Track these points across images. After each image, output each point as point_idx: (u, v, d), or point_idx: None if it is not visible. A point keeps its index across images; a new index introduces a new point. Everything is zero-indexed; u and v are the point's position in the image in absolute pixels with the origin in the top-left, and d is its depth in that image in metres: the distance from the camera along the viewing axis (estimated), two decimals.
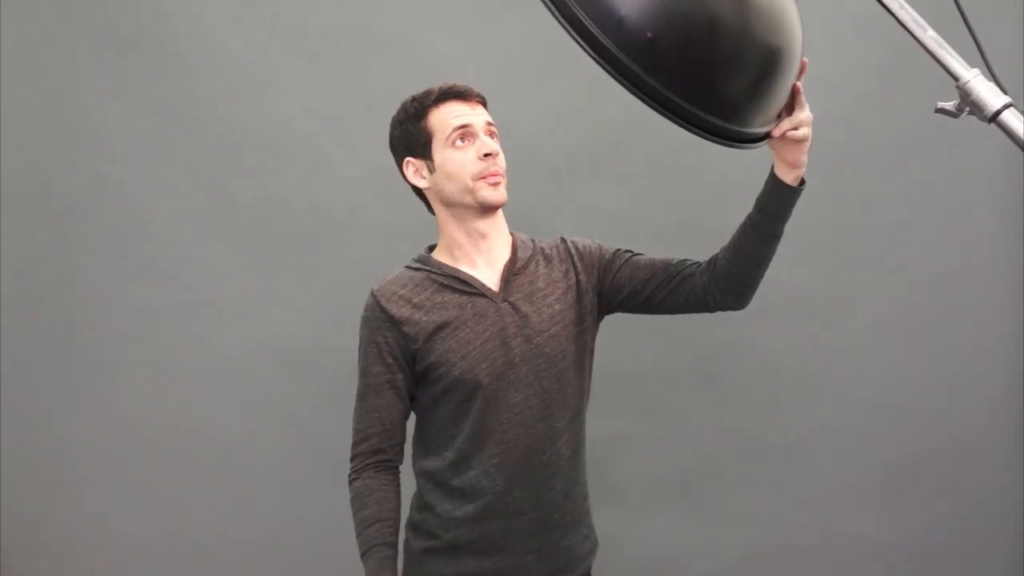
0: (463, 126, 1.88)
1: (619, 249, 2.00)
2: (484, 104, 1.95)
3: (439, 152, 1.89)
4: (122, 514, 2.90)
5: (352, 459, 1.93)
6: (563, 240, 2.02)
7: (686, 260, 1.93)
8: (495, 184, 1.87)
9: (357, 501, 1.90)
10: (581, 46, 1.22)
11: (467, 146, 1.87)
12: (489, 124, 1.91)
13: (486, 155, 1.87)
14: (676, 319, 2.96)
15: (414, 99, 1.93)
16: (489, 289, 1.90)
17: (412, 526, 1.99)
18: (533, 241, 2.01)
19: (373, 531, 1.85)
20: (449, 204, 1.91)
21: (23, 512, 2.87)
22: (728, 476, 3.03)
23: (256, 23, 2.92)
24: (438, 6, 2.95)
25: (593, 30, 1.21)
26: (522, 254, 1.96)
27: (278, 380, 2.94)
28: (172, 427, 2.91)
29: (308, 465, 2.93)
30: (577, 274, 1.97)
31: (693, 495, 3.02)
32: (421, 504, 1.97)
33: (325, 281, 2.94)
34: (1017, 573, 3.04)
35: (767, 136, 1.51)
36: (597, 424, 2.97)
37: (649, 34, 1.20)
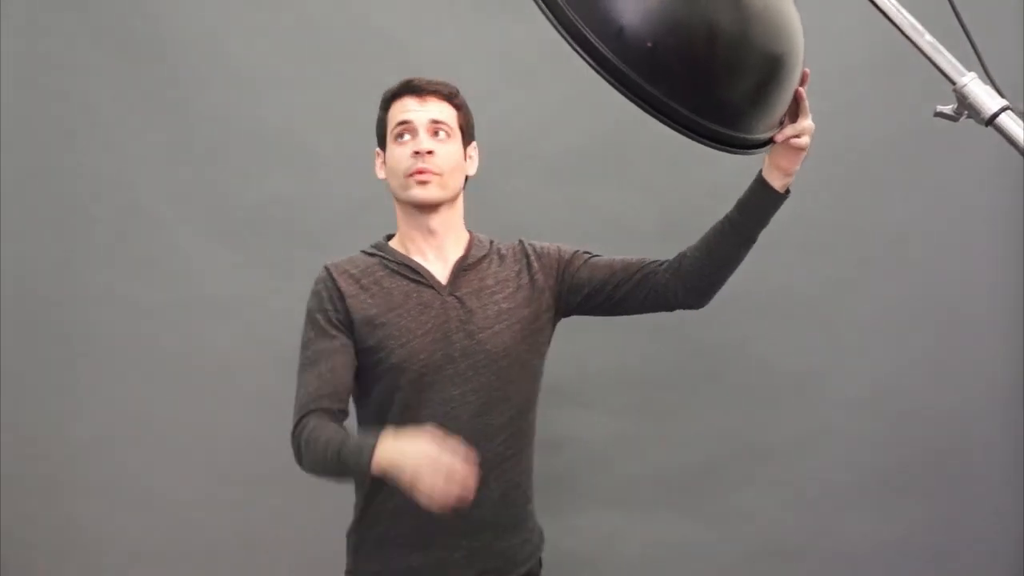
0: (403, 122, 1.91)
1: (578, 250, 2.01)
2: (447, 99, 1.95)
3: (388, 146, 1.94)
4: (122, 514, 2.90)
5: (297, 423, 1.83)
6: (520, 241, 2.04)
7: (645, 258, 1.95)
8: (422, 183, 1.88)
9: (314, 435, 1.77)
10: (581, 56, 1.22)
11: (407, 142, 1.90)
12: (435, 122, 1.91)
13: (416, 153, 1.88)
14: (676, 320, 2.96)
15: (386, 91, 1.98)
16: (437, 281, 1.92)
17: (356, 518, 1.99)
18: (491, 242, 2.03)
19: (351, 443, 1.72)
20: (395, 198, 1.96)
21: (23, 512, 2.87)
22: (728, 476, 3.03)
23: (256, 23, 2.92)
24: (437, 6, 2.95)
25: (593, 40, 1.21)
26: (476, 252, 1.98)
27: (278, 380, 2.91)
28: (172, 427, 2.91)
29: None
30: (532, 274, 1.97)
31: (693, 495, 3.02)
32: (357, 497, 1.98)
33: None
34: (1017, 573, 3.04)
35: (769, 142, 1.50)
36: (597, 424, 3.00)
37: (650, 44, 1.20)
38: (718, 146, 1.32)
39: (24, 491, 2.87)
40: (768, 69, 1.31)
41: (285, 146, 2.92)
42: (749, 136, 1.38)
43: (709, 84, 1.26)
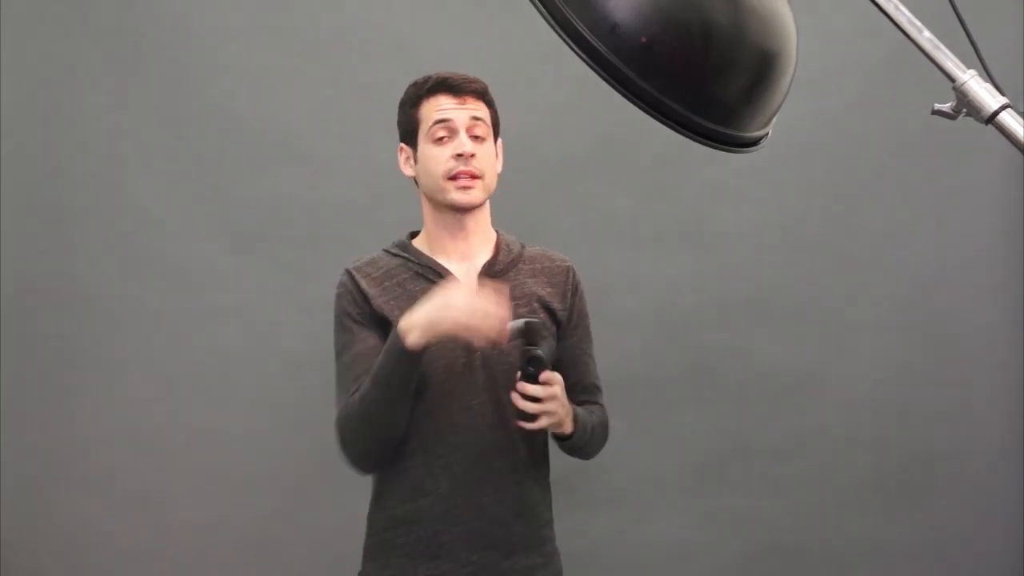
0: (443, 121, 1.86)
1: (589, 332, 2.00)
2: (481, 97, 1.91)
3: (421, 144, 1.89)
4: (122, 514, 2.89)
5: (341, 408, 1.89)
6: (570, 268, 2.00)
7: (592, 399, 1.98)
8: (464, 188, 1.85)
9: (355, 397, 1.84)
10: (575, 51, 1.21)
11: (446, 143, 1.86)
12: (475, 120, 1.88)
13: (458, 155, 1.84)
14: (676, 319, 2.97)
15: (414, 84, 1.93)
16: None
17: (367, 521, 1.97)
18: (522, 245, 1.98)
19: (380, 357, 1.80)
20: (428, 197, 1.92)
21: (23, 512, 2.87)
22: (728, 476, 3.03)
23: (256, 23, 2.92)
24: (438, 6, 2.95)
25: (587, 35, 1.20)
26: (503, 257, 1.94)
27: (279, 381, 2.94)
28: (172, 427, 2.91)
29: (310, 466, 2.93)
30: (559, 301, 1.95)
31: (693, 495, 3.02)
32: (372, 500, 1.95)
33: (326, 281, 2.92)
34: (1017, 573, 3.04)
35: (761, 139, 1.50)
36: None
37: (644, 39, 1.19)
38: (712, 143, 1.31)
39: (24, 491, 2.87)
40: (762, 66, 1.31)
41: (286, 147, 2.92)
42: (743, 134, 1.38)
43: (703, 80, 1.25)
